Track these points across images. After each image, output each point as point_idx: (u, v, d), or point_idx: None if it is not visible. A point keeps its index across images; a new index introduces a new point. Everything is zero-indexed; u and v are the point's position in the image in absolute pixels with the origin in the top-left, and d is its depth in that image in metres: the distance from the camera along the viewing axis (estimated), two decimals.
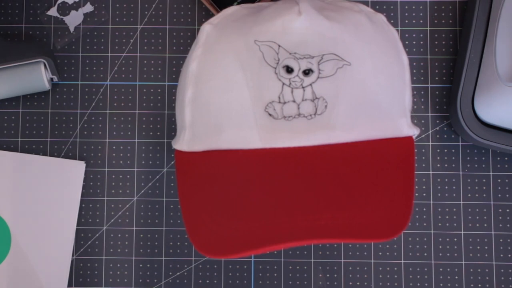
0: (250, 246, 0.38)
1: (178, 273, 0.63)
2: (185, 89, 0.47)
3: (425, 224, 0.63)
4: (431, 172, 0.63)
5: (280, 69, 0.43)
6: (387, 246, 0.63)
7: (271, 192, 0.42)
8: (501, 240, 0.62)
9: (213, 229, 0.41)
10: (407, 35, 0.64)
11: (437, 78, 0.64)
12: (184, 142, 0.47)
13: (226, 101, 0.44)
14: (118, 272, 0.63)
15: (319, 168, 0.43)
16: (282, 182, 0.42)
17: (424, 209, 0.63)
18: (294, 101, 0.43)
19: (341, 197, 0.41)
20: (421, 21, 0.65)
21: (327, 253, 0.62)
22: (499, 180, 0.63)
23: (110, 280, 0.63)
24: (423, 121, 0.64)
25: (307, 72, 0.44)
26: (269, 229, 0.39)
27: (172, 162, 0.63)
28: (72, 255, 0.63)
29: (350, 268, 0.62)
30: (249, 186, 0.43)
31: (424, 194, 0.63)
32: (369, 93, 0.45)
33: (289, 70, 0.43)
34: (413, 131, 0.47)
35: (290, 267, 0.62)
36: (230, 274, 0.62)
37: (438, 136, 0.63)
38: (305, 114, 0.43)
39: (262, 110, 0.43)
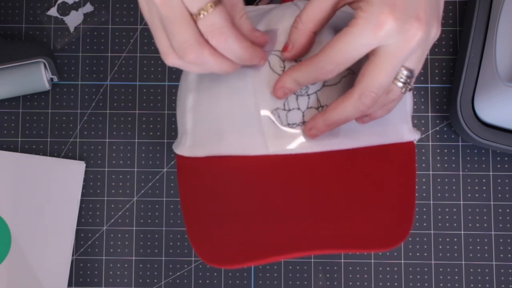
0: (252, 257, 0.37)
1: (178, 273, 0.63)
2: (186, 95, 0.47)
3: (425, 224, 0.62)
4: (431, 172, 0.63)
5: None
6: None
7: (273, 199, 0.42)
8: (501, 240, 0.62)
9: (216, 237, 0.40)
10: None
11: (437, 78, 0.64)
12: (185, 147, 0.47)
13: (229, 108, 0.44)
14: (118, 272, 0.63)
15: (321, 175, 0.43)
16: (285, 189, 0.42)
17: (424, 209, 0.63)
18: (299, 109, 0.43)
19: (343, 205, 0.41)
20: None
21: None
22: (499, 180, 0.63)
23: (110, 280, 0.62)
24: (423, 121, 0.64)
25: None
26: (271, 239, 0.38)
27: (172, 162, 0.63)
28: (72, 255, 0.63)
29: (350, 268, 0.62)
30: (251, 193, 0.42)
31: (424, 194, 0.63)
32: None
33: None
34: (414, 136, 0.47)
35: (290, 267, 0.62)
36: (230, 274, 0.62)
37: (438, 136, 0.63)
38: None
39: (267, 117, 0.43)
